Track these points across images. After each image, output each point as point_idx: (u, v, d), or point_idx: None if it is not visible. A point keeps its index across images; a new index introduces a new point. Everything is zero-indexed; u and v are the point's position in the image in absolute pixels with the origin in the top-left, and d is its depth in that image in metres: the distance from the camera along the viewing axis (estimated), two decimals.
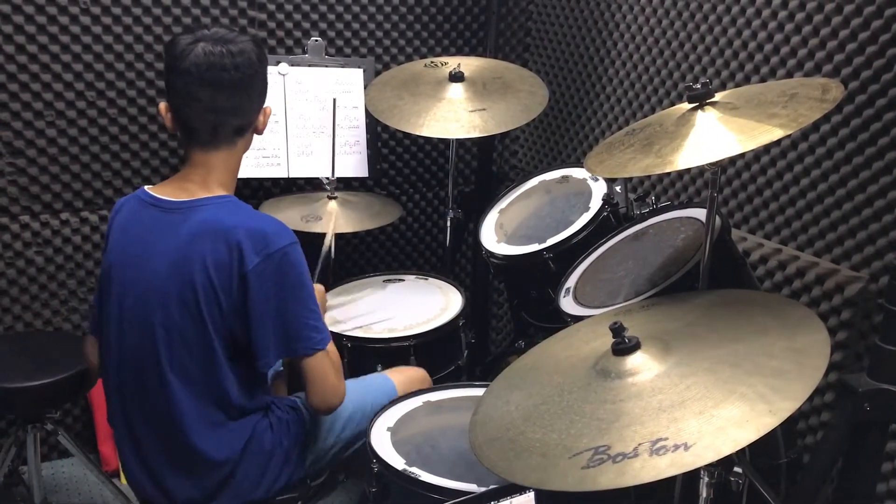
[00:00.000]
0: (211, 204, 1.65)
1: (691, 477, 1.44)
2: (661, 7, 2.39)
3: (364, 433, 1.88)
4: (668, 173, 2.41)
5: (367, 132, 2.71)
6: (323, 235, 2.43)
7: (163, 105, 1.69)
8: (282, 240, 1.62)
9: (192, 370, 1.65)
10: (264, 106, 1.73)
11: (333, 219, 2.49)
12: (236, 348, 1.66)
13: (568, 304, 1.94)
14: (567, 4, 2.84)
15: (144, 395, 1.69)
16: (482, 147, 3.15)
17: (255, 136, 1.77)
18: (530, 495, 1.40)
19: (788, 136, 1.68)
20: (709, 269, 1.64)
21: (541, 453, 1.29)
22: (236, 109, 1.65)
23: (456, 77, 2.52)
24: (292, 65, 2.63)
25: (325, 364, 1.69)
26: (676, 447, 1.17)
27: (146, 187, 1.72)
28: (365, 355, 2.16)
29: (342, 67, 2.70)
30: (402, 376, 2.04)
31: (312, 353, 1.67)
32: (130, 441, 1.74)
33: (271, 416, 1.77)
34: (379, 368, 2.11)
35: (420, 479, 1.61)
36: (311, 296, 1.67)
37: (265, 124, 1.75)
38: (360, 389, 1.88)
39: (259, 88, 1.70)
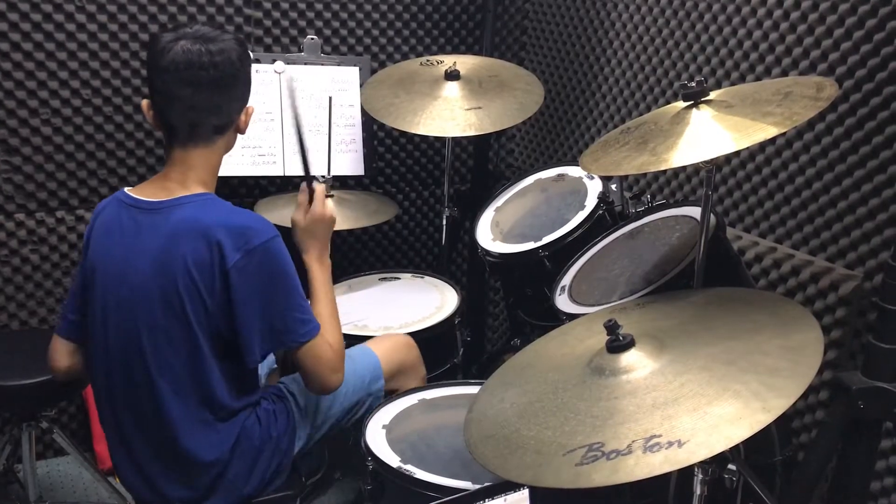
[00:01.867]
0: (190, 202, 1.64)
1: (686, 474, 1.44)
2: (657, 6, 2.40)
3: (351, 409, 1.88)
4: (664, 171, 2.42)
5: (363, 130, 2.71)
6: None
7: (145, 102, 1.68)
8: (262, 234, 1.61)
9: (178, 371, 1.64)
10: (247, 105, 1.72)
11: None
12: (223, 346, 1.65)
13: (563, 303, 1.95)
14: (563, 3, 2.85)
15: (133, 398, 1.68)
16: (478, 145, 3.15)
17: (249, 134, 1.76)
18: (525, 493, 1.40)
19: (783, 134, 1.69)
20: (703, 268, 1.65)
21: (535, 450, 1.29)
22: (215, 108, 1.64)
23: (452, 75, 2.52)
24: (288, 63, 2.63)
25: (315, 353, 1.68)
26: (670, 444, 1.18)
27: (126, 189, 1.71)
28: None
29: (338, 66, 2.70)
30: (386, 344, 2.05)
31: (299, 345, 1.66)
32: (121, 443, 1.74)
33: (258, 409, 1.76)
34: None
35: (415, 476, 1.61)
36: (296, 287, 1.66)
37: (247, 123, 1.74)
38: None
39: (240, 88, 1.68)
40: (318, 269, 1.81)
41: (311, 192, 1.86)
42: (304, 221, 1.84)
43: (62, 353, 1.79)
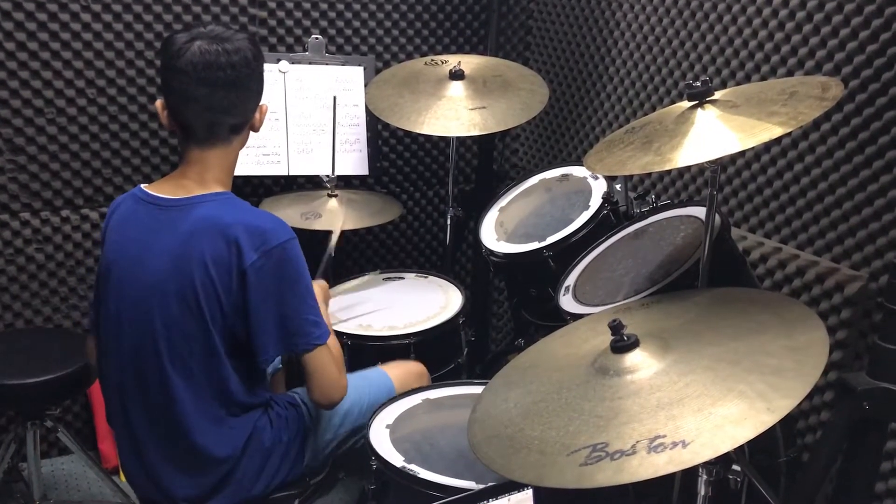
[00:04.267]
0: (209, 201, 1.65)
1: (690, 475, 1.44)
2: (662, 5, 2.39)
3: (362, 428, 1.88)
4: (668, 171, 2.41)
5: (367, 130, 2.71)
6: (327, 234, 2.43)
7: (159, 102, 1.69)
8: (280, 236, 1.63)
9: (193, 367, 1.65)
10: (261, 103, 1.73)
11: (342, 218, 2.48)
12: (236, 344, 1.66)
13: (567, 303, 1.94)
14: (568, 3, 2.84)
15: (145, 393, 1.69)
16: (482, 145, 3.15)
17: (253, 133, 1.77)
18: (528, 492, 1.40)
19: (788, 134, 1.68)
20: (708, 268, 1.64)
21: (539, 450, 1.29)
22: (232, 108, 1.65)
23: (456, 75, 2.52)
24: (293, 62, 2.63)
25: (325, 359, 1.69)
26: (674, 445, 1.17)
27: (142, 185, 1.72)
28: (365, 353, 2.16)
29: (343, 65, 2.70)
30: (400, 371, 2.05)
31: (312, 348, 1.67)
32: (129, 439, 1.74)
33: (270, 412, 1.78)
34: (378, 365, 2.11)
35: (419, 476, 1.61)
36: (309, 291, 1.67)
37: (262, 122, 1.75)
38: (357, 385, 1.88)
39: (255, 87, 1.70)
40: (318, 289, 1.81)
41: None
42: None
43: (94, 350, 1.81)
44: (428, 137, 3.06)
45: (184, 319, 1.62)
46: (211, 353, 1.64)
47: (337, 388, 1.73)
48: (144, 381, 1.68)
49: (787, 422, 1.57)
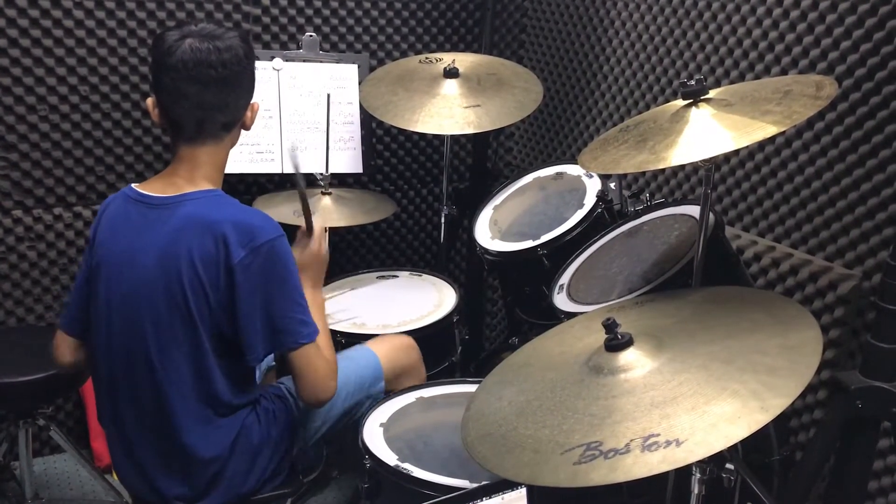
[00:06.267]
0: (197, 198, 1.64)
1: (684, 473, 1.44)
2: (657, 4, 2.39)
3: (351, 410, 1.87)
4: (663, 170, 2.41)
5: (361, 128, 2.70)
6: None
7: (150, 100, 1.69)
8: (268, 233, 1.62)
9: (181, 367, 1.64)
10: (252, 101, 1.72)
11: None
12: (224, 343, 1.65)
13: (562, 301, 1.94)
14: (562, 1, 2.84)
15: (134, 393, 1.68)
16: (477, 143, 3.14)
17: (245, 131, 1.76)
18: (522, 491, 1.40)
19: (782, 133, 1.68)
20: (702, 266, 1.64)
21: (533, 449, 1.29)
22: (223, 105, 1.65)
23: (451, 73, 2.52)
24: (287, 60, 2.62)
25: (312, 357, 1.67)
26: (668, 443, 1.17)
27: (133, 184, 1.71)
28: None
29: (337, 63, 2.70)
30: (386, 346, 2.03)
31: (298, 346, 1.66)
32: (121, 439, 1.74)
33: (258, 408, 1.76)
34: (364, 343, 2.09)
35: (412, 475, 1.61)
36: (297, 289, 1.66)
37: (253, 120, 1.74)
38: (342, 367, 1.82)
39: (246, 84, 1.69)
40: (311, 297, 1.79)
41: (311, 230, 1.89)
42: (300, 257, 1.84)
43: (66, 349, 1.79)
44: (422, 135, 3.05)
45: (172, 318, 1.61)
46: (199, 353, 1.63)
47: (325, 388, 1.70)
48: (134, 381, 1.67)
49: (780, 420, 1.57)
